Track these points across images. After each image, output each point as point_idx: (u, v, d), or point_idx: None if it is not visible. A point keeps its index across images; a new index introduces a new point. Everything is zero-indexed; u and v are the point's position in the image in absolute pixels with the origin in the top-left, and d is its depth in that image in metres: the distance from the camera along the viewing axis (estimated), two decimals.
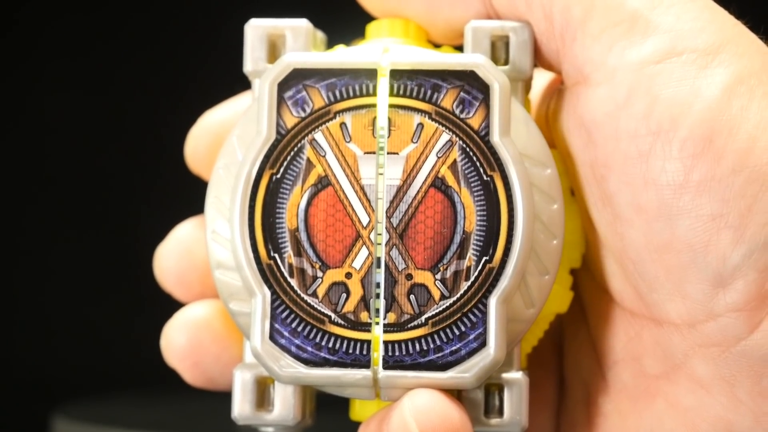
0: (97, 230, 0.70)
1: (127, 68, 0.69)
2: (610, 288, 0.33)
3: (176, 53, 0.69)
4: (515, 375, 0.32)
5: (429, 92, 0.32)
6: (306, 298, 0.31)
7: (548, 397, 0.35)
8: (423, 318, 0.31)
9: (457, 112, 0.31)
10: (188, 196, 0.39)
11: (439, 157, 0.31)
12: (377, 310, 0.31)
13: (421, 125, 0.31)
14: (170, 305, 0.36)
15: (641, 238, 0.31)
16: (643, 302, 0.32)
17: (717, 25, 0.31)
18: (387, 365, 0.31)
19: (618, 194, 0.31)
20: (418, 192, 0.31)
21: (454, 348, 0.31)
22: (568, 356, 0.35)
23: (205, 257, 0.34)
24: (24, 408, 0.67)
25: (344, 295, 0.31)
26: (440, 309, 0.31)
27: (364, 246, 0.31)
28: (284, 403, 0.32)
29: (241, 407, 0.32)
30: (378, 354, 0.31)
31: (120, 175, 0.70)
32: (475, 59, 0.32)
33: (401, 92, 0.32)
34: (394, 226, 0.31)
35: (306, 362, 0.31)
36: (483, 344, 0.31)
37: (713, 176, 0.30)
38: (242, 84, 0.35)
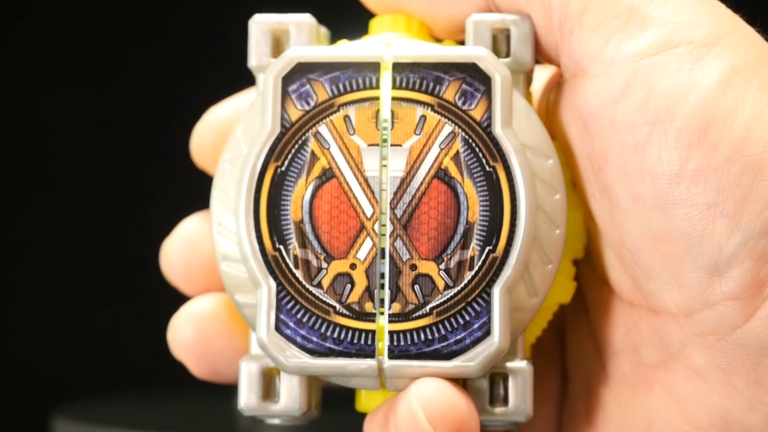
0: (101, 227, 0.69)
1: (133, 65, 0.69)
2: (609, 279, 0.33)
3: (182, 49, 0.69)
4: (519, 364, 0.32)
5: (431, 85, 0.32)
6: (311, 289, 0.31)
7: (551, 389, 0.35)
8: (427, 308, 0.31)
9: (460, 103, 0.32)
10: (194, 191, 0.39)
11: (441, 149, 0.32)
12: (382, 301, 0.31)
13: (423, 117, 0.32)
14: (171, 305, 0.36)
15: (638, 227, 0.31)
16: (641, 292, 0.32)
17: (713, 17, 0.31)
18: (392, 355, 0.31)
19: (615, 185, 0.32)
20: (422, 183, 0.32)
21: (458, 337, 0.31)
22: (570, 347, 0.35)
23: (210, 251, 0.34)
24: (24, 408, 0.67)
25: (349, 286, 0.31)
26: (444, 299, 0.31)
27: (368, 237, 0.32)
28: (290, 394, 0.32)
29: (247, 398, 0.32)
30: (383, 344, 0.31)
31: (126, 171, 0.69)
32: (476, 51, 0.32)
33: (404, 85, 0.32)
34: (398, 217, 0.32)
35: (311, 352, 0.31)
36: (487, 333, 0.31)
37: (708, 166, 0.30)
38: (247, 80, 0.35)
